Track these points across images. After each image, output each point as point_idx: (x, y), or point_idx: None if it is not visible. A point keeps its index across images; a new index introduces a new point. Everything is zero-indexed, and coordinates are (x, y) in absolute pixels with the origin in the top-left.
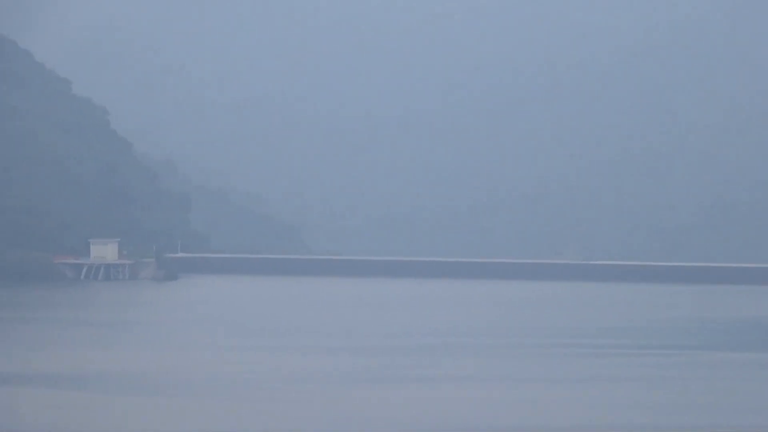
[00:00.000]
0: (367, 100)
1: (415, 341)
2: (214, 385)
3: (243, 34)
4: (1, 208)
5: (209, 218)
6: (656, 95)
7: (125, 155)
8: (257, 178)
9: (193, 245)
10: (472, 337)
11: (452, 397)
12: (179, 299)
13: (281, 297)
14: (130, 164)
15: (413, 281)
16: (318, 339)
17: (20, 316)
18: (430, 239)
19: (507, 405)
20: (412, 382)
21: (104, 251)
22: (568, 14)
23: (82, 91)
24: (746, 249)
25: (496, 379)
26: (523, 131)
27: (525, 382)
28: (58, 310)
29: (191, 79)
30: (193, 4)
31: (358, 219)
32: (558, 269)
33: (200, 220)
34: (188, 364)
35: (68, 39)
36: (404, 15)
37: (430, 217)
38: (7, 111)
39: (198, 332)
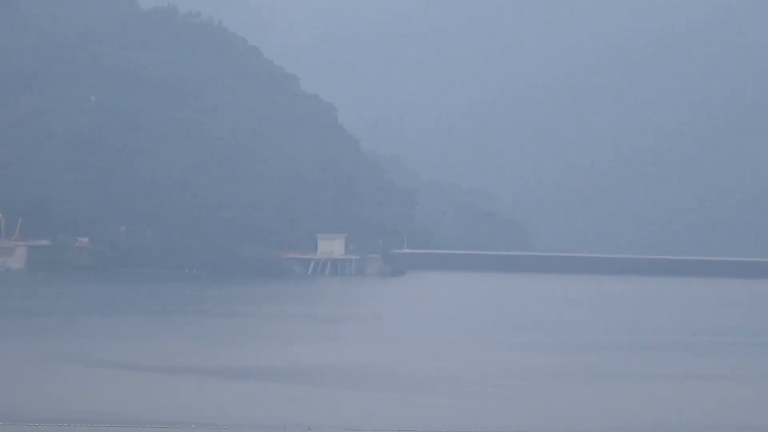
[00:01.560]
0: (599, 100)
1: (639, 339)
2: (431, 381)
3: (478, 36)
4: (230, 204)
5: (435, 214)
6: None
7: (352, 151)
8: (484, 175)
9: (418, 241)
10: (694, 335)
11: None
12: (404, 295)
13: (503, 293)
14: (357, 160)
15: (636, 278)
16: (536, 335)
17: (250, 311)
18: (659, 237)
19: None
20: (652, 380)
21: (331, 246)
22: None
23: (309, 88)
24: None
25: (733, 378)
26: None
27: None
28: (287, 304)
29: (420, 77)
30: (428, 3)
31: (584, 216)
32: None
33: (426, 215)
34: (409, 359)
35: (296, 36)
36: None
37: (656, 215)
38: (234, 107)
39: (420, 328)
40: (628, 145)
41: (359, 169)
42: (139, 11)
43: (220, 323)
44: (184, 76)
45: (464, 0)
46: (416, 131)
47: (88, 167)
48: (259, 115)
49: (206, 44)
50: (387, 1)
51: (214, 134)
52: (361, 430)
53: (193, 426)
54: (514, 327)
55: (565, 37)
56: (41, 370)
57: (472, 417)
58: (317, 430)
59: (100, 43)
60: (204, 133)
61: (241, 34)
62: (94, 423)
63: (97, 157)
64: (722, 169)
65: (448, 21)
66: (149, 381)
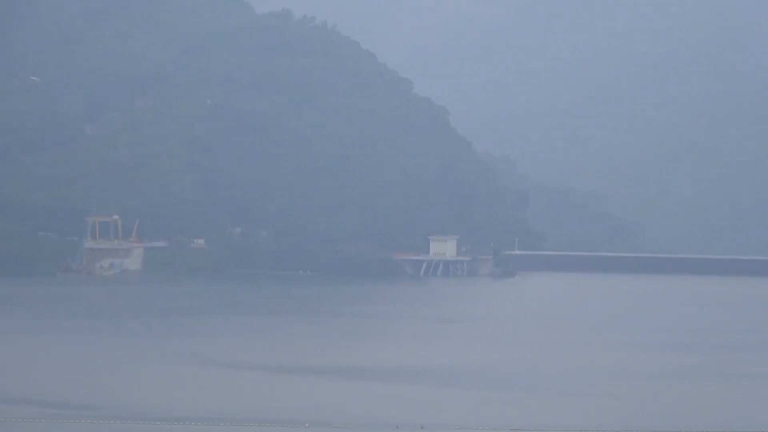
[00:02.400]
0: (690, 100)
1: (751, 338)
2: (544, 379)
3: (594, 35)
4: (344, 206)
5: (546, 215)
6: None
7: (464, 153)
8: (595, 177)
9: (530, 242)
10: None
11: None
12: (515, 296)
13: (613, 293)
14: (469, 162)
15: (745, 279)
16: (648, 334)
17: (363, 311)
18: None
19: None
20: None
21: (443, 248)
22: None
23: (422, 91)
24: None
25: None
26: None
27: None
28: (400, 305)
29: (527, 80)
30: (541, 14)
31: (694, 218)
32: None
33: (537, 217)
34: (522, 358)
35: (410, 41)
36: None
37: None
38: (349, 110)
39: (532, 328)
40: (743, 149)
41: (471, 171)
42: (254, 16)
43: (333, 323)
44: (298, 80)
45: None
46: (528, 132)
47: (203, 170)
48: (372, 118)
49: (320, 48)
50: (496, 4)
51: (328, 137)
52: (473, 429)
53: (307, 425)
54: (625, 327)
55: (680, 37)
56: (162, 368)
57: (584, 414)
58: (430, 429)
59: (216, 48)
60: (318, 137)
61: (355, 38)
62: (211, 422)
63: (213, 160)
64: None
65: (560, 21)
66: (265, 380)
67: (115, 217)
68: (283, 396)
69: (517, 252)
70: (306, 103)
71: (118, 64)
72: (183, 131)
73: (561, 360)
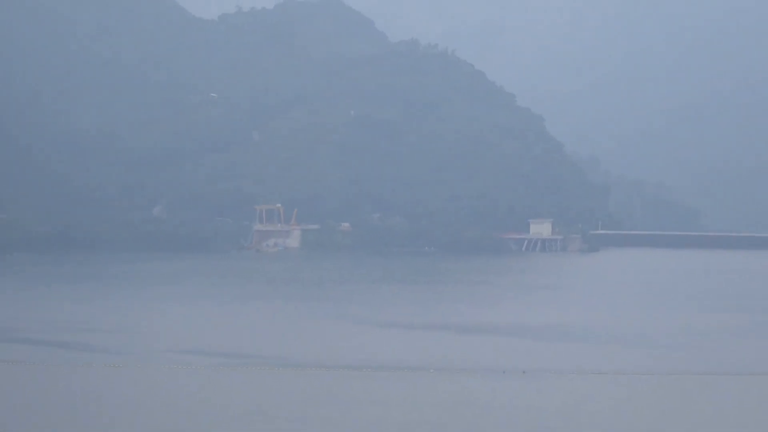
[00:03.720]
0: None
1: None
2: (631, 335)
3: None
4: (462, 196)
5: (625, 204)
6: None
7: (557, 153)
8: (666, 169)
9: (610, 225)
10: None
11: None
12: (600, 266)
13: (677, 265)
14: (561, 161)
15: None
16: (710, 299)
17: (476, 279)
18: None
19: None
20: None
21: (541, 229)
22: None
23: (523, 103)
24: None
25: None
26: None
27: None
28: (506, 275)
29: (620, 86)
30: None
31: (751, 204)
32: None
33: (617, 205)
34: (608, 318)
35: (517, 60)
36: None
37: None
38: (464, 119)
39: (615, 292)
40: None
41: (563, 168)
42: (388, 43)
43: (452, 289)
44: (424, 95)
45: (656, 5)
46: (612, 133)
47: (349, 167)
48: (483, 125)
49: (440, 69)
50: (584, 19)
51: (447, 141)
52: (566, 373)
53: (431, 370)
54: (692, 292)
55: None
56: (322, 325)
57: (660, 361)
58: (530, 374)
59: (359, 69)
60: (439, 140)
61: (470, 61)
62: (356, 368)
63: (356, 159)
64: None
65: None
66: (401, 335)
67: (278, 205)
68: (413, 347)
69: (600, 231)
70: (430, 113)
71: (277, 82)
72: (332, 136)
73: (642, 318)
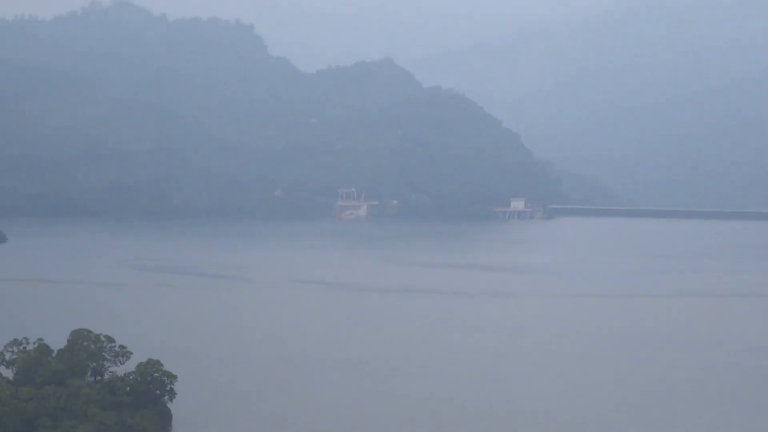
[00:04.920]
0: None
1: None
2: (586, 271)
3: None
4: (467, 185)
5: (570, 188)
6: None
7: (529, 158)
8: (595, 166)
9: (560, 202)
10: None
11: None
12: (553, 228)
13: (601, 227)
14: (531, 163)
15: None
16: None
17: (477, 236)
18: None
19: None
20: None
21: (517, 204)
22: None
23: (510, 126)
24: None
25: None
26: None
27: None
28: (495, 233)
29: (566, 103)
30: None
31: (651, 187)
32: None
33: (565, 189)
34: (565, 258)
35: (515, 93)
36: None
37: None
38: (467, 139)
39: (565, 242)
40: None
41: (532, 167)
42: (422, 89)
43: (459, 242)
44: (443, 125)
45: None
46: (562, 143)
47: (399, 163)
48: (481, 142)
49: (461, 109)
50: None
51: (460, 151)
52: (531, 295)
53: (441, 293)
54: (609, 244)
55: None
56: (377, 267)
57: (588, 287)
58: (507, 296)
59: (404, 107)
60: (455, 151)
61: (480, 103)
62: (400, 292)
63: (402, 161)
64: None
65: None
66: (423, 270)
67: (353, 189)
68: (431, 278)
69: (554, 206)
70: (450, 135)
71: (349, 113)
72: (386, 147)
73: (578, 258)
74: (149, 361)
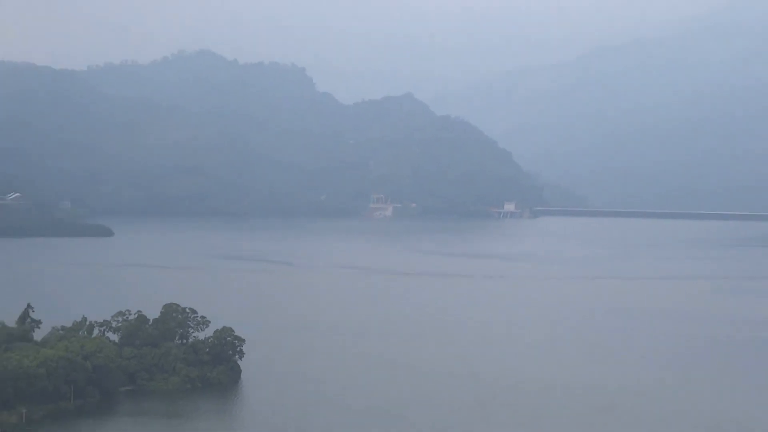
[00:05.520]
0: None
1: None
2: (573, 258)
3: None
4: (470, 190)
5: (550, 194)
6: None
7: (519, 171)
8: (572, 176)
9: (542, 205)
10: None
11: None
12: (539, 225)
13: (577, 225)
14: (520, 175)
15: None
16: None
17: (477, 231)
18: None
19: None
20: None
21: (509, 206)
22: None
23: (505, 146)
24: None
25: None
26: None
27: None
28: (491, 229)
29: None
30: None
31: (618, 193)
32: None
33: (547, 195)
34: (548, 249)
35: (512, 113)
36: None
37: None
38: (473, 158)
39: (549, 236)
40: None
41: (521, 177)
42: (434, 117)
43: (463, 236)
44: (449, 151)
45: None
46: (545, 158)
47: (415, 176)
48: (482, 158)
49: (466, 133)
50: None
51: (465, 167)
52: (520, 278)
53: (451, 276)
54: (586, 237)
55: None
56: (398, 255)
57: (568, 270)
58: (502, 278)
59: (413, 139)
60: (460, 167)
61: (481, 128)
62: (424, 274)
63: (417, 173)
64: None
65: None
66: (435, 258)
67: (381, 195)
68: (442, 264)
69: (539, 208)
70: (457, 153)
71: (380, 143)
72: (407, 162)
73: (559, 248)
74: (223, 328)
